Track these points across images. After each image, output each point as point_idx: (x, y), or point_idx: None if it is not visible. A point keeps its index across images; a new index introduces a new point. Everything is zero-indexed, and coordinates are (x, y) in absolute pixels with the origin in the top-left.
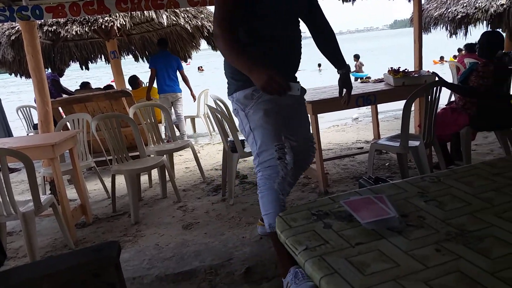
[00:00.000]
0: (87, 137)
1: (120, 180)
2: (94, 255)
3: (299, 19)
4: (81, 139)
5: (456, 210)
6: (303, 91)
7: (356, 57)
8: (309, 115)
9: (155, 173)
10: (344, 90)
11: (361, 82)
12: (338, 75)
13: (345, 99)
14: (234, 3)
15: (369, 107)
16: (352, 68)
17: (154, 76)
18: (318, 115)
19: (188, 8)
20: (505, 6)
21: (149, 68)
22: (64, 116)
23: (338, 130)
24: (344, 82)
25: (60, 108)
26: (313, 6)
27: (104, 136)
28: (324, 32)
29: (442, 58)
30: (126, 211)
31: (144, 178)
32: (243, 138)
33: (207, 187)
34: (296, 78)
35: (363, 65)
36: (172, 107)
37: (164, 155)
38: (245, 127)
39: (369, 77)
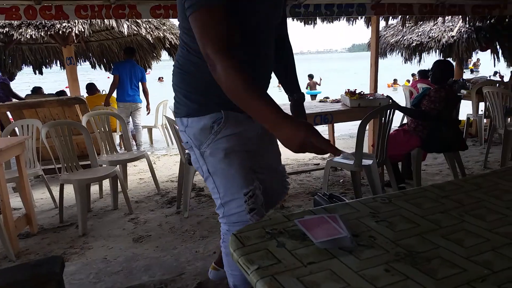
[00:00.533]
0: (36, 144)
1: (69, 190)
2: (34, 270)
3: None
4: (30, 146)
5: (406, 231)
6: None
7: (310, 76)
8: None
9: (107, 183)
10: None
11: (320, 102)
12: (289, 102)
13: None
14: (225, 16)
15: (326, 125)
16: (306, 86)
17: (116, 83)
18: None
19: (150, 19)
20: (455, 37)
21: (112, 74)
22: (13, 121)
23: None
24: (297, 110)
25: (9, 113)
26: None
27: (54, 143)
28: (283, 48)
29: (395, 81)
30: (74, 222)
31: (94, 188)
32: None
33: (162, 199)
34: None
35: (317, 83)
36: (131, 117)
37: (117, 165)
38: (201, 167)
39: (327, 97)
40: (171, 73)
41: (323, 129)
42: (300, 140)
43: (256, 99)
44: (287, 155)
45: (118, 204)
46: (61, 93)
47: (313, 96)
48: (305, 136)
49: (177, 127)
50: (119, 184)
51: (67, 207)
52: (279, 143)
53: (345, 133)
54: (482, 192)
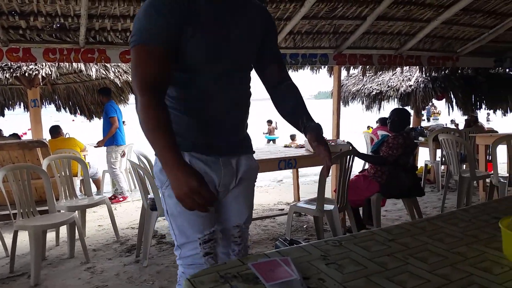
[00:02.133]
0: None
1: (23, 237)
2: None
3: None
4: None
5: (354, 273)
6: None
7: (269, 122)
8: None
9: (63, 230)
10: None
11: (284, 147)
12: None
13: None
14: (162, 55)
15: (291, 170)
16: (265, 131)
17: (117, 126)
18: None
19: (119, 63)
20: (412, 87)
21: (111, 116)
22: None
23: (261, 191)
24: (318, 138)
25: None
26: (266, 49)
27: (11, 188)
28: (282, 90)
29: (369, 127)
30: (26, 271)
31: (51, 235)
32: None
33: (120, 247)
34: (241, 142)
35: (276, 128)
36: (117, 161)
37: (76, 211)
38: (163, 206)
39: (294, 140)
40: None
41: (287, 175)
42: (183, 190)
43: (160, 140)
44: (267, 201)
45: (75, 252)
46: (14, 135)
47: (273, 141)
48: (189, 189)
49: (141, 172)
50: (76, 231)
51: (19, 255)
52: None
53: (310, 178)
54: (426, 236)
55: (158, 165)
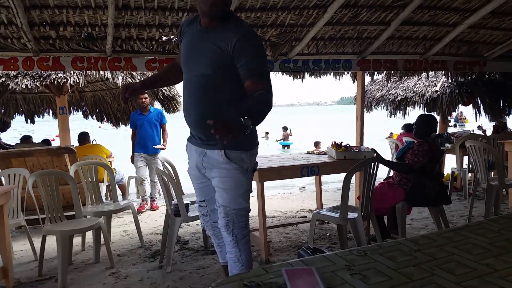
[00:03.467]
0: (22, 194)
1: (51, 241)
2: None
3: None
4: (15, 195)
5: (378, 284)
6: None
7: (284, 128)
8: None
9: (89, 235)
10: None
11: (307, 153)
12: None
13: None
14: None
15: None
16: (280, 137)
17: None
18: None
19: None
20: (438, 92)
21: (164, 124)
22: (0, 170)
23: (284, 198)
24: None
25: None
26: (239, 68)
27: (40, 193)
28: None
29: (391, 134)
30: (53, 275)
31: (77, 240)
32: (188, 202)
33: (144, 253)
34: (206, 139)
35: (290, 135)
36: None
37: (102, 217)
38: None
39: (317, 147)
40: None
41: (310, 181)
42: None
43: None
44: (274, 207)
45: (100, 257)
46: (45, 141)
47: (287, 147)
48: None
49: (165, 178)
50: (102, 236)
51: (47, 259)
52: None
53: (333, 186)
54: (453, 246)
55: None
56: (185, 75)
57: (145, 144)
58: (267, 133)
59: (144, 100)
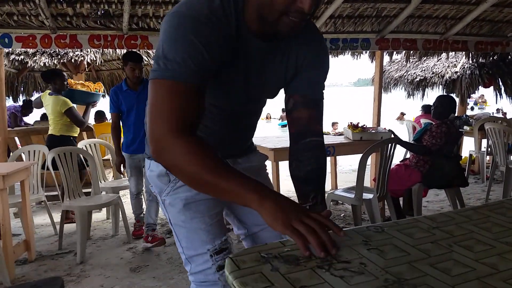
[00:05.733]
0: (42, 170)
1: None
2: None
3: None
4: (35, 171)
5: (396, 259)
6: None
7: (283, 110)
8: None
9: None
10: None
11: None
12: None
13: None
14: (194, 95)
15: (329, 158)
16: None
17: None
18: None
19: None
20: (458, 73)
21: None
22: (21, 147)
23: None
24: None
25: (16, 139)
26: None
27: (59, 169)
28: (300, 148)
29: (402, 114)
30: (72, 249)
31: (95, 216)
32: None
33: (162, 229)
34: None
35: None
36: None
37: (120, 192)
38: (165, 214)
39: (334, 126)
40: None
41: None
42: (284, 216)
43: (229, 181)
44: (288, 187)
45: (119, 232)
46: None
47: (286, 126)
48: (290, 212)
49: None
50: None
51: (66, 234)
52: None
53: (347, 167)
54: (472, 224)
55: (154, 170)
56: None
57: (137, 139)
58: (268, 115)
59: (137, 70)
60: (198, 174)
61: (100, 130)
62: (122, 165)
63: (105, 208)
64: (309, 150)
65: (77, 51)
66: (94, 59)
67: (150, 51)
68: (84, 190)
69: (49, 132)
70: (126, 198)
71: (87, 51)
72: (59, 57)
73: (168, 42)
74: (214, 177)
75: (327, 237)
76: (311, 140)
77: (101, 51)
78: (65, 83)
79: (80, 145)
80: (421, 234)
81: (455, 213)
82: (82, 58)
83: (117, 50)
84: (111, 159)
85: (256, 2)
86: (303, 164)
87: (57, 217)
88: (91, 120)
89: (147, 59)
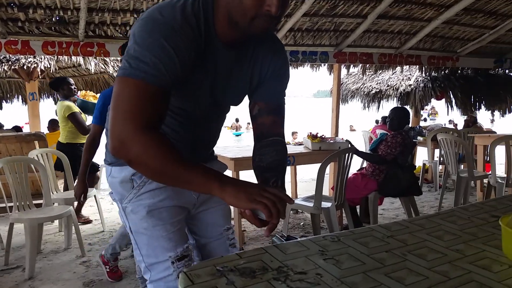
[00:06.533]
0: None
1: (19, 230)
2: None
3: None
4: None
5: (351, 269)
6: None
7: (237, 120)
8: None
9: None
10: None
11: None
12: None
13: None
14: (158, 96)
15: (289, 167)
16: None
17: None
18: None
19: (118, 57)
20: (412, 86)
21: None
22: None
23: None
24: None
25: None
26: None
27: (7, 180)
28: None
29: (351, 127)
30: (20, 264)
31: (46, 228)
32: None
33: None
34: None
35: (240, 126)
36: None
37: (72, 204)
38: (124, 222)
39: (294, 136)
40: None
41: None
42: (247, 194)
43: (191, 172)
44: None
45: (71, 245)
46: (16, 128)
47: (239, 136)
48: (250, 189)
49: None
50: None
51: (14, 248)
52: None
53: (306, 177)
54: (425, 233)
55: (116, 176)
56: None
57: None
58: (237, 119)
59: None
60: (162, 166)
61: (53, 139)
62: (83, 195)
63: (57, 220)
64: (271, 145)
65: (29, 57)
66: (48, 66)
67: (107, 59)
68: (34, 202)
69: (58, 139)
70: (87, 210)
71: (41, 58)
72: (10, 63)
73: (140, 44)
74: (177, 168)
75: (283, 207)
76: (274, 138)
77: (55, 58)
78: (73, 87)
79: (32, 154)
80: (376, 243)
81: (409, 221)
82: (35, 65)
83: (72, 57)
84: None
85: (226, 9)
86: (265, 156)
87: (3, 230)
88: (43, 129)
89: (103, 67)
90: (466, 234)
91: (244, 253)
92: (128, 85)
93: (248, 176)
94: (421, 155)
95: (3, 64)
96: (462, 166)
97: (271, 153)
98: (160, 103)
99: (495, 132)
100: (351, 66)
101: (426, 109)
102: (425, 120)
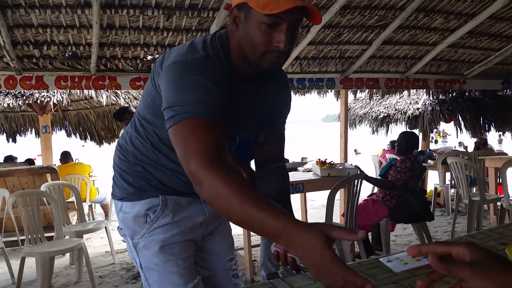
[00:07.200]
0: (1, 215)
1: (30, 263)
2: None
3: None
4: None
5: None
6: None
7: None
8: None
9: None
10: None
11: (291, 171)
12: None
13: None
14: (214, 126)
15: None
16: None
17: None
18: None
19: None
20: (420, 110)
21: None
22: None
23: None
24: None
25: None
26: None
27: (20, 214)
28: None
29: (355, 151)
30: None
31: (58, 262)
32: None
33: (127, 274)
34: None
35: None
36: None
37: (83, 237)
38: (134, 259)
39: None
40: None
41: (294, 200)
42: (318, 262)
43: (256, 212)
44: None
45: (82, 278)
46: (29, 161)
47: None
48: (322, 260)
49: None
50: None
51: (26, 282)
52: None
53: (317, 203)
54: None
55: (128, 212)
56: None
57: None
58: None
59: None
60: (227, 208)
61: (65, 171)
62: None
63: (69, 253)
64: (276, 174)
65: (43, 91)
66: (61, 99)
67: (118, 91)
68: (46, 235)
69: None
70: (90, 241)
71: (54, 92)
72: (24, 97)
73: (176, 88)
74: (248, 207)
75: None
76: (277, 165)
77: (68, 91)
78: None
79: (43, 187)
80: (383, 275)
81: None
82: (48, 99)
83: (84, 90)
84: (75, 201)
85: (239, 46)
86: (273, 185)
87: (15, 264)
88: (55, 161)
89: (115, 99)
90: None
91: (253, 287)
92: (182, 128)
93: None
94: (433, 179)
95: (18, 99)
96: (474, 189)
97: (278, 182)
98: (216, 132)
99: (506, 154)
100: (358, 91)
101: (438, 131)
102: (436, 142)
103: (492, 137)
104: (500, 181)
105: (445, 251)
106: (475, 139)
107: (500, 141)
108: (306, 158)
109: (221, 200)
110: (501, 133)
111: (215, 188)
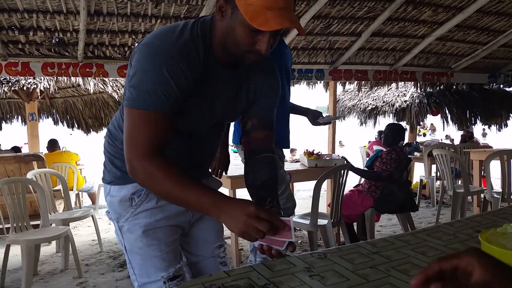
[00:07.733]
0: None
1: (16, 251)
2: None
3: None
4: None
5: (336, 285)
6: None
7: None
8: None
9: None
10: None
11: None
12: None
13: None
14: (162, 121)
15: None
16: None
17: None
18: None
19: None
20: (408, 102)
21: None
22: None
23: None
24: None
25: None
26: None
27: (5, 201)
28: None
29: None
30: (17, 286)
31: (44, 250)
32: None
33: (113, 262)
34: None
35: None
36: None
37: (70, 225)
38: (120, 241)
39: (293, 153)
40: None
41: None
42: (243, 218)
43: (193, 193)
44: None
45: (68, 266)
46: (15, 148)
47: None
48: (249, 213)
49: None
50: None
51: (11, 270)
52: None
53: (305, 193)
54: (410, 249)
55: (115, 195)
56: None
57: None
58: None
59: None
60: (164, 192)
61: (52, 159)
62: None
63: (55, 241)
64: (264, 163)
65: (29, 78)
66: (48, 86)
67: (106, 79)
68: (32, 223)
69: None
70: (77, 230)
71: (40, 79)
72: (10, 84)
73: (140, 72)
74: (179, 192)
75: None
76: (266, 155)
77: (55, 78)
78: None
79: (30, 175)
80: (361, 259)
81: (395, 238)
82: (35, 86)
83: (71, 78)
84: (62, 189)
85: (222, 39)
86: (259, 174)
87: (0, 252)
88: (42, 149)
89: (102, 87)
90: (450, 250)
91: (232, 271)
92: (132, 115)
93: (246, 194)
94: (419, 171)
95: (3, 86)
96: (459, 181)
97: (265, 170)
98: (163, 127)
99: (491, 147)
100: (347, 83)
101: (425, 126)
102: (424, 135)
103: (477, 130)
104: (484, 174)
105: (452, 266)
106: (461, 132)
107: (484, 135)
108: (296, 150)
109: (155, 187)
110: (486, 126)
111: (147, 177)
